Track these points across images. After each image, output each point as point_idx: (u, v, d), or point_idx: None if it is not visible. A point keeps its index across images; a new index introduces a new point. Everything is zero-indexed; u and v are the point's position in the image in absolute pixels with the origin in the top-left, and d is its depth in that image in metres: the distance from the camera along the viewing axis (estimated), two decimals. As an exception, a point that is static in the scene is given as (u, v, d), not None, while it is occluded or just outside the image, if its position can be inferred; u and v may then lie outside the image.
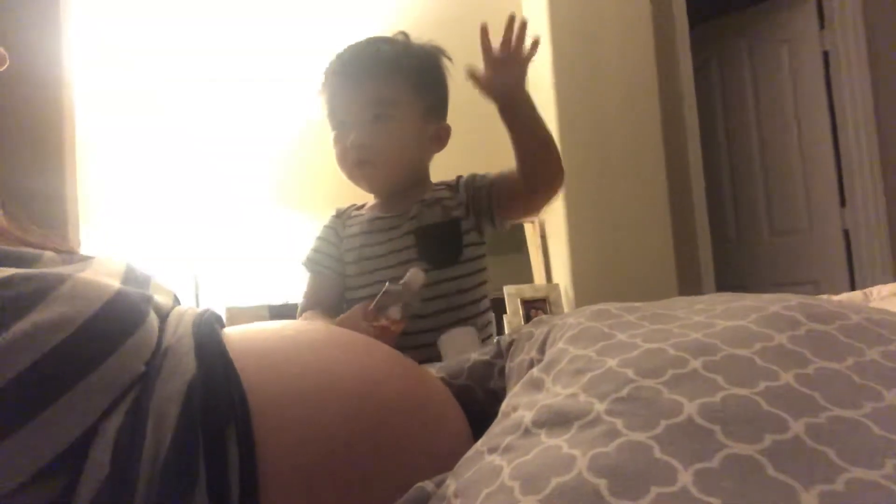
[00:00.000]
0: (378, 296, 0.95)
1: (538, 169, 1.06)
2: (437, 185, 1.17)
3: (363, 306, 0.96)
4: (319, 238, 1.18)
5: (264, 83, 2.19)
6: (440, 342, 0.96)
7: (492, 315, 1.17)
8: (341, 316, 0.99)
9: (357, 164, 1.09)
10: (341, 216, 1.20)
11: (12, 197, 1.40)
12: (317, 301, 1.13)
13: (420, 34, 1.18)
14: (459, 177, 1.17)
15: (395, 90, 1.08)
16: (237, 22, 2.19)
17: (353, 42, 1.14)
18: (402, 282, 0.95)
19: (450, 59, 1.16)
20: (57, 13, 1.63)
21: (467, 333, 0.98)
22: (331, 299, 1.13)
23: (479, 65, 1.01)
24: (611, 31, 2.27)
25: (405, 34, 1.14)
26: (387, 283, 0.96)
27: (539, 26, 2.25)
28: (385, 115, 1.07)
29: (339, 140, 1.11)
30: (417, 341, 1.01)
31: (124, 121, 2.06)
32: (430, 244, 1.08)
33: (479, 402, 0.55)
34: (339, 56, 1.12)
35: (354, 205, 1.22)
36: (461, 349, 0.89)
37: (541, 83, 2.29)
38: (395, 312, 0.93)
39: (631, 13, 2.30)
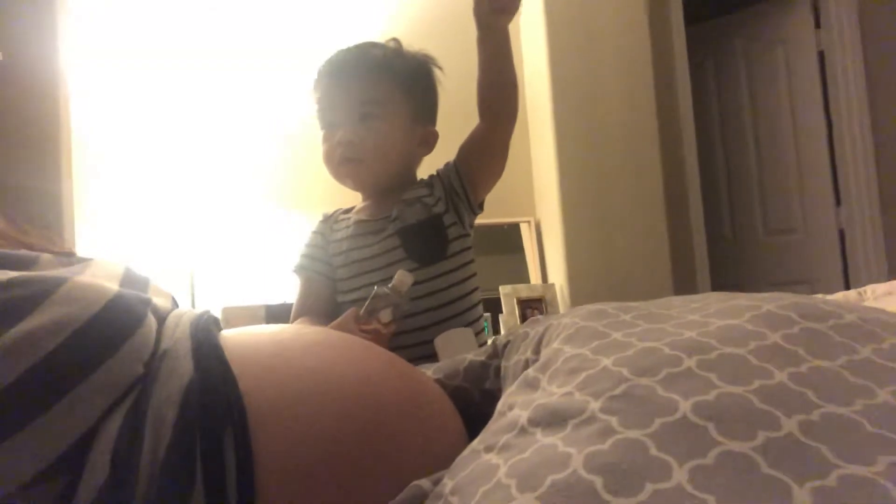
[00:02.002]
0: (368, 300, 0.96)
1: (503, 93, 1.08)
2: (415, 183, 1.18)
3: (354, 311, 0.97)
4: (308, 244, 1.19)
5: (261, 82, 2.19)
6: (436, 343, 0.96)
7: (482, 309, 1.17)
8: (333, 322, 1.00)
9: (342, 161, 1.10)
10: (328, 221, 1.21)
11: (8, 198, 1.40)
12: (309, 306, 1.14)
13: (415, 34, 1.18)
14: (432, 174, 1.18)
15: (383, 91, 1.09)
16: (234, 21, 2.19)
17: (345, 45, 1.15)
18: (390, 285, 0.96)
19: (440, 68, 1.17)
20: (52, 11, 1.62)
21: (463, 334, 0.98)
22: (323, 303, 1.14)
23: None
24: (607, 32, 2.28)
25: (397, 41, 1.16)
26: (375, 287, 0.97)
27: (535, 27, 2.25)
28: (372, 115, 1.08)
29: (326, 139, 1.12)
30: (411, 339, 1.02)
31: (120, 120, 2.05)
32: (415, 243, 1.09)
33: (476, 403, 0.55)
34: (330, 58, 1.13)
35: (341, 209, 1.22)
36: (457, 350, 0.89)
37: (538, 84, 2.29)
38: (385, 315, 0.95)
39: (627, 14, 2.31)
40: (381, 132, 1.09)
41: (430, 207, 1.11)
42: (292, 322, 1.13)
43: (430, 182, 1.16)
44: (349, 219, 1.17)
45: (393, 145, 1.11)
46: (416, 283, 0.99)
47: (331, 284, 1.15)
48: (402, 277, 0.96)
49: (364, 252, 1.11)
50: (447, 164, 1.15)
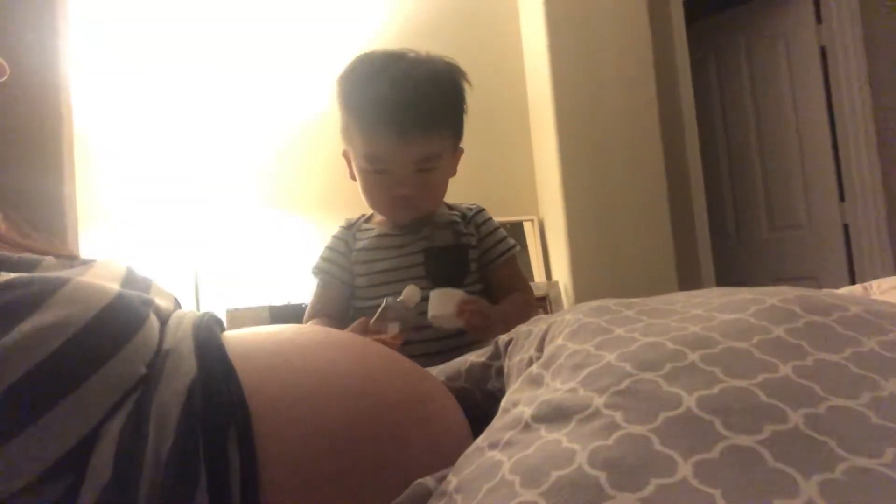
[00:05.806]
0: (379, 310, 0.98)
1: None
2: (450, 207, 1.20)
3: (365, 320, 0.99)
4: (329, 248, 1.20)
5: (266, 83, 2.19)
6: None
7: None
8: (345, 329, 1.01)
9: (396, 209, 1.12)
10: (351, 228, 1.21)
11: (11, 201, 1.41)
12: (323, 309, 1.15)
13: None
14: (475, 211, 1.20)
15: (442, 144, 1.09)
16: (237, 22, 2.19)
17: (388, 62, 1.07)
18: (399, 298, 0.99)
19: (469, 81, 1.13)
20: (54, 15, 1.63)
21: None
22: (337, 308, 1.15)
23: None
24: (608, 29, 2.27)
25: (450, 62, 1.12)
26: (386, 299, 0.99)
27: (536, 25, 2.25)
28: (430, 168, 1.09)
29: (379, 184, 1.10)
30: (417, 350, 1.03)
31: (123, 123, 2.06)
32: (437, 265, 1.11)
33: (478, 404, 0.55)
34: (379, 89, 1.05)
35: (364, 215, 1.23)
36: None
37: (539, 82, 2.29)
38: (393, 327, 0.97)
39: (628, 10, 2.31)
40: (436, 182, 1.12)
41: (460, 235, 1.14)
42: (306, 322, 1.15)
43: (469, 219, 1.18)
44: (372, 229, 1.18)
45: (444, 187, 1.15)
46: (424, 300, 1.01)
47: (347, 290, 1.16)
48: (411, 292, 1.00)
49: (385, 264, 1.13)
50: (498, 243, 1.18)
